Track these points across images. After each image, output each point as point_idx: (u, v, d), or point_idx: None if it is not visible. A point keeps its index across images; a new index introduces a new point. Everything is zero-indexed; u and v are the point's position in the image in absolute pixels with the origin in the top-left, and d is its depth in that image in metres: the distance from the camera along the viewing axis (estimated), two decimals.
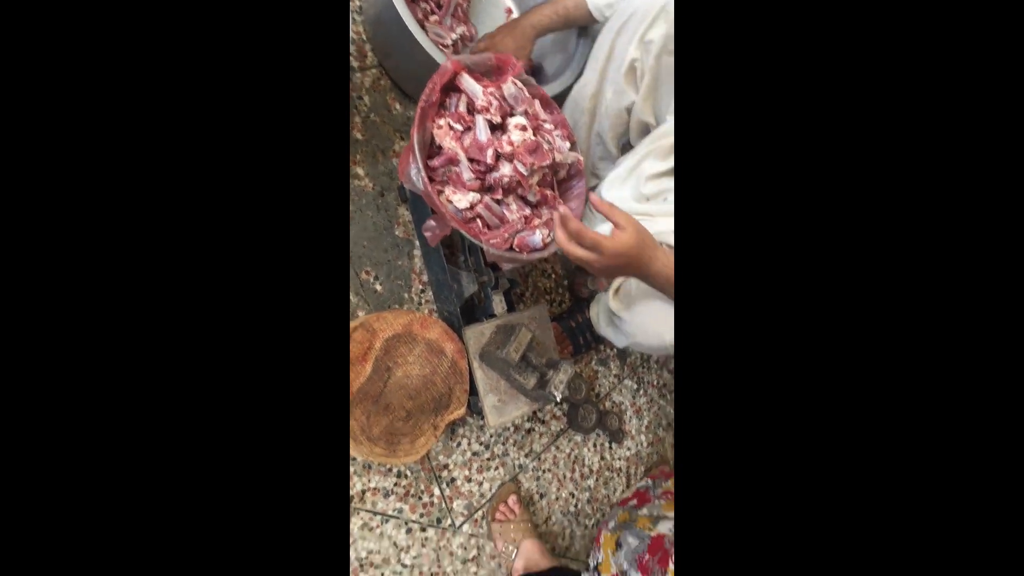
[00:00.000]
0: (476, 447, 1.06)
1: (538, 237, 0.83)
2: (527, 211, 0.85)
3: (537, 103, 0.87)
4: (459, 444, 1.04)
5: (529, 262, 0.86)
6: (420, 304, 1.02)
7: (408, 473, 0.97)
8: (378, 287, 0.98)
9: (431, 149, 0.80)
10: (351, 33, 0.85)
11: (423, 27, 1.03)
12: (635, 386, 1.35)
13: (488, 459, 1.07)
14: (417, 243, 1.03)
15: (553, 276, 1.24)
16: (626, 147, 1.08)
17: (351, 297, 0.95)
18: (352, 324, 0.88)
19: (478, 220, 0.81)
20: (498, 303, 0.97)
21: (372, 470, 0.93)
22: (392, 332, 0.89)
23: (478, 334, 0.94)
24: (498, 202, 0.82)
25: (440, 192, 0.79)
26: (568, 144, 0.88)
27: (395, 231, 1.01)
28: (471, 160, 0.78)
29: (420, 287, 1.03)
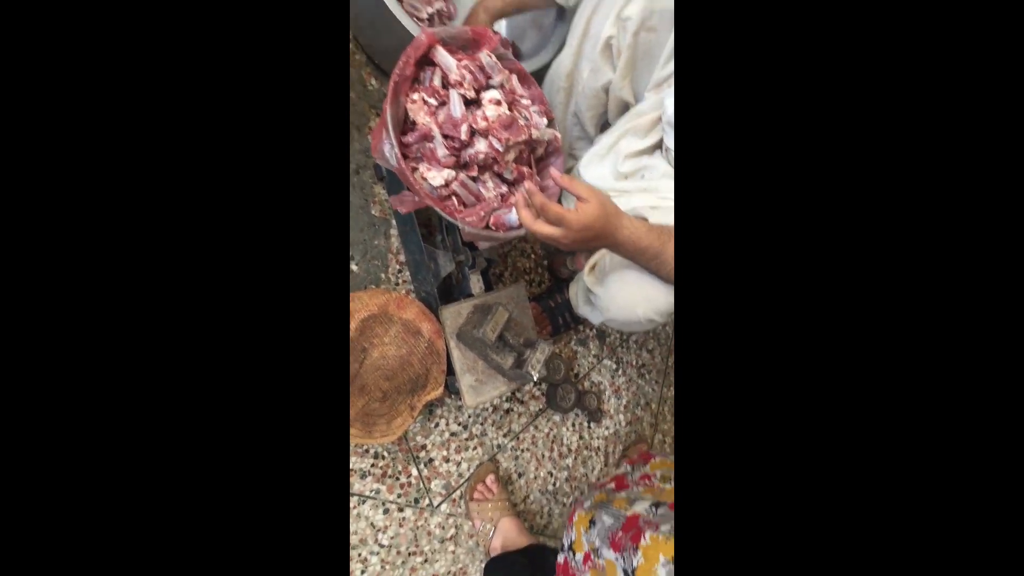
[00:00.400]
0: (454, 427, 1.06)
1: (515, 215, 0.82)
2: (504, 189, 0.84)
3: (514, 78, 0.86)
4: (437, 424, 1.04)
5: (506, 241, 0.86)
6: (397, 284, 1.01)
7: (385, 454, 0.97)
8: (354, 267, 0.97)
9: (405, 125, 0.78)
10: None
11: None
12: (614, 366, 1.36)
13: (466, 439, 1.07)
14: (394, 222, 1.02)
15: (532, 256, 1.24)
16: (605, 127, 1.07)
17: None
18: None
19: (453, 198, 0.80)
20: (475, 283, 0.97)
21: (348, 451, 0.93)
22: (368, 312, 0.88)
23: (455, 314, 0.93)
24: (474, 179, 0.81)
25: (414, 169, 0.77)
26: (545, 120, 0.86)
27: (371, 210, 1.00)
28: (445, 136, 0.77)
29: (397, 267, 1.01)
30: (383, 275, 1.00)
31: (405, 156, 0.77)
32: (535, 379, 0.90)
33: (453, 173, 0.78)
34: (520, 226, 0.83)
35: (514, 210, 0.82)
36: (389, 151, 0.72)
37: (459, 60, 0.77)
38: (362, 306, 0.88)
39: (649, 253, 0.74)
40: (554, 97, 1.02)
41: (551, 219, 0.68)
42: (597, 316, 1.03)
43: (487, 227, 0.81)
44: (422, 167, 0.77)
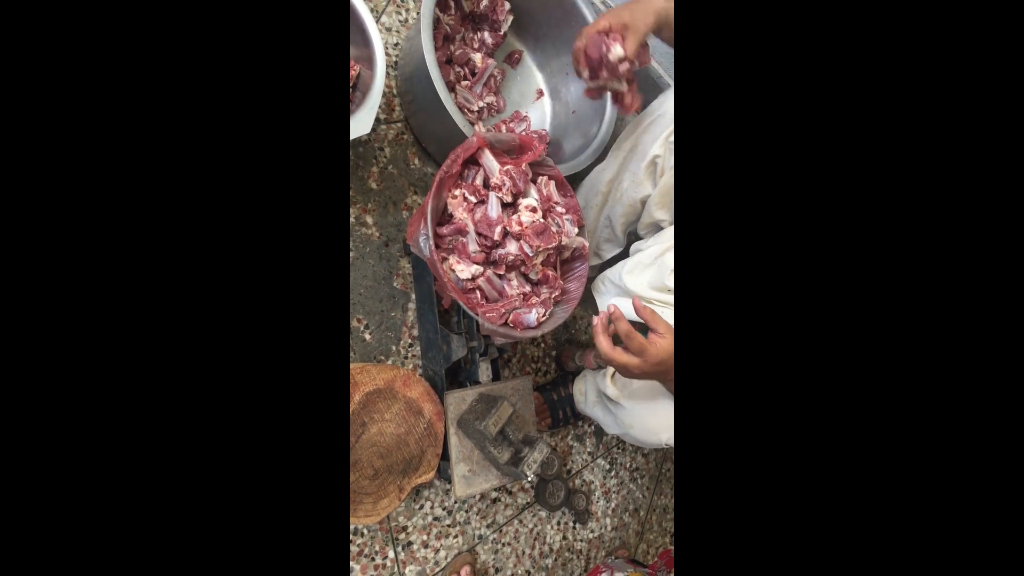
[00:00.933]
0: (439, 511, 1.04)
1: (533, 316, 0.83)
2: (527, 288, 0.86)
3: (552, 184, 0.89)
4: (422, 506, 1.02)
5: (521, 339, 0.86)
6: (407, 358, 1.02)
7: (365, 531, 0.94)
8: (367, 336, 0.98)
9: (442, 216, 0.81)
10: (383, 87, 0.87)
11: (453, 90, 1.06)
12: (607, 466, 1.33)
13: (449, 525, 1.05)
14: (413, 296, 1.03)
15: (542, 345, 1.24)
16: (631, 235, 1.10)
17: None
18: None
19: (477, 292, 0.81)
20: (484, 370, 0.97)
21: None
22: (374, 387, 0.88)
23: (459, 400, 0.93)
24: (500, 276, 0.82)
25: (444, 259, 0.80)
26: (576, 228, 0.89)
27: (393, 282, 1.01)
28: (479, 233, 0.79)
29: (409, 341, 1.02)
30: (394, 347, 1.01)
31: (437, 246, 0.79)
32: (529, 479, 0.89)
33: (481, 269, 0.80)
34: (536, 327, 0.84)
35: (533, 310, 0.83)
36: (424, 242, 0.74)
37: (503, 164, 0.81)
38: (369, 379, 0.88)
39: None
40: (591, 199, 1.05)
41: (634, 349, 0.68)
42: (613, 426, 1.02)
43: (505, 324, 0.82)
44: (452, 259, 0.79)
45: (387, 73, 0.99)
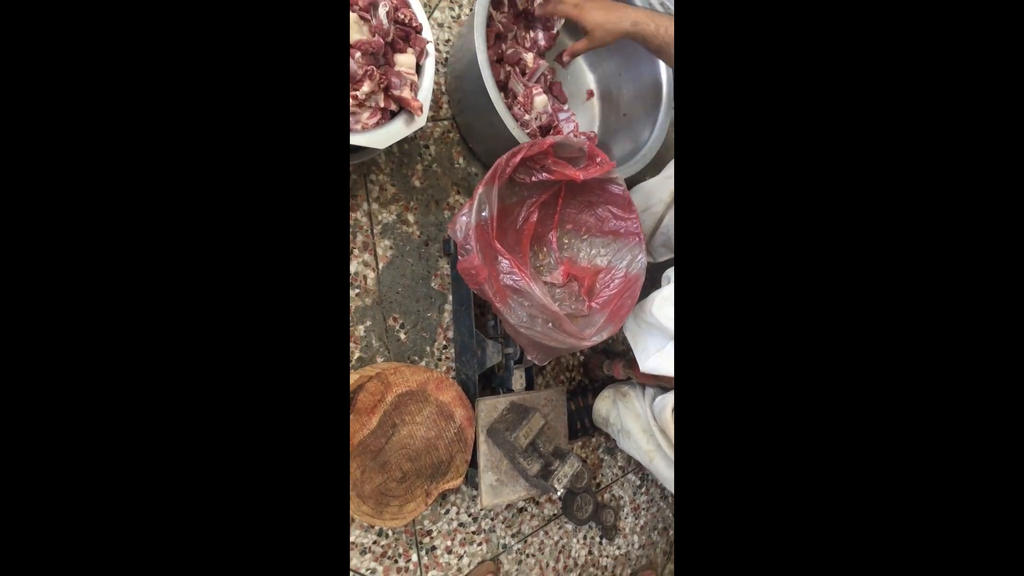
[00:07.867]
0: (464, 518, 1.02)
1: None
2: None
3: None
4: (447, 511, 1.00)
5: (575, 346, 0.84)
6: (440, 360, 1.00)
7: (389, 533, 0.93)
8: (402, 336, 0.96)
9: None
10: (432, 83, 0.85)
11: (503, 90, 1.04)
12: (638, 482, 1.30)
13: (473, 532, 1.03)
14: (450, 299, 1.02)
15: (579, 355, 1.21)
16: None
17: (373, 342, 0.93)
18: (369, 372, 0.86)
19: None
20: (518, 379, 0.95)
21: (354, 524, 0.90)
22: (406, 388, 0.87)
23: (491, 407, 0.91)
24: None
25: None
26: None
27: (431, 283, 1.00)
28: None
29: (443, 343, 1.01)
30: (428, 348, 0.99)
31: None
32: (559, 492, 0.87)
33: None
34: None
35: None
36: (464, 224, 0.73)
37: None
38: (402, 381, 0.87)
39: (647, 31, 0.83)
40: (653, 204, 1.02)
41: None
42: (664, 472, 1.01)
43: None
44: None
45: (436, 70, 0.98)
